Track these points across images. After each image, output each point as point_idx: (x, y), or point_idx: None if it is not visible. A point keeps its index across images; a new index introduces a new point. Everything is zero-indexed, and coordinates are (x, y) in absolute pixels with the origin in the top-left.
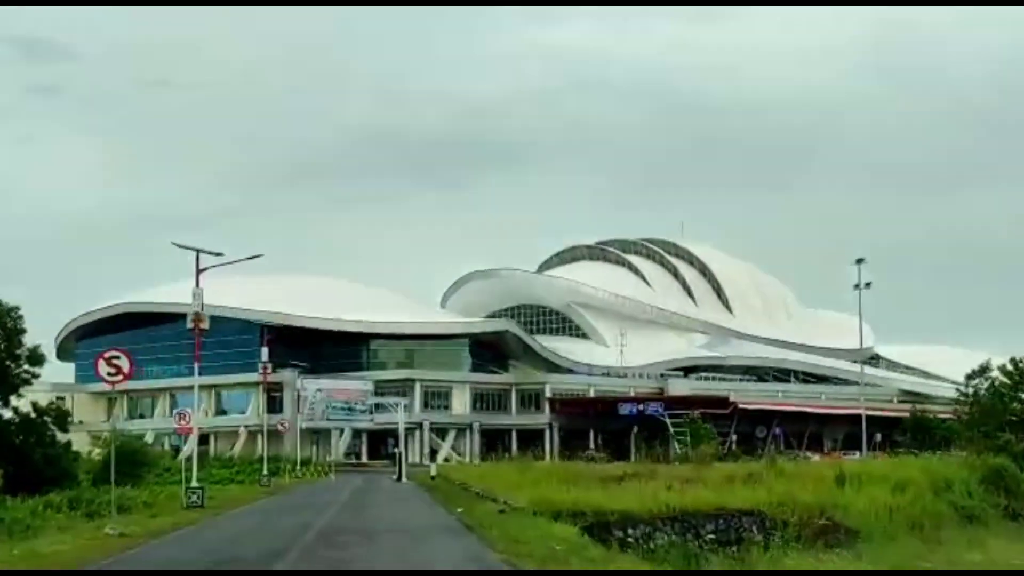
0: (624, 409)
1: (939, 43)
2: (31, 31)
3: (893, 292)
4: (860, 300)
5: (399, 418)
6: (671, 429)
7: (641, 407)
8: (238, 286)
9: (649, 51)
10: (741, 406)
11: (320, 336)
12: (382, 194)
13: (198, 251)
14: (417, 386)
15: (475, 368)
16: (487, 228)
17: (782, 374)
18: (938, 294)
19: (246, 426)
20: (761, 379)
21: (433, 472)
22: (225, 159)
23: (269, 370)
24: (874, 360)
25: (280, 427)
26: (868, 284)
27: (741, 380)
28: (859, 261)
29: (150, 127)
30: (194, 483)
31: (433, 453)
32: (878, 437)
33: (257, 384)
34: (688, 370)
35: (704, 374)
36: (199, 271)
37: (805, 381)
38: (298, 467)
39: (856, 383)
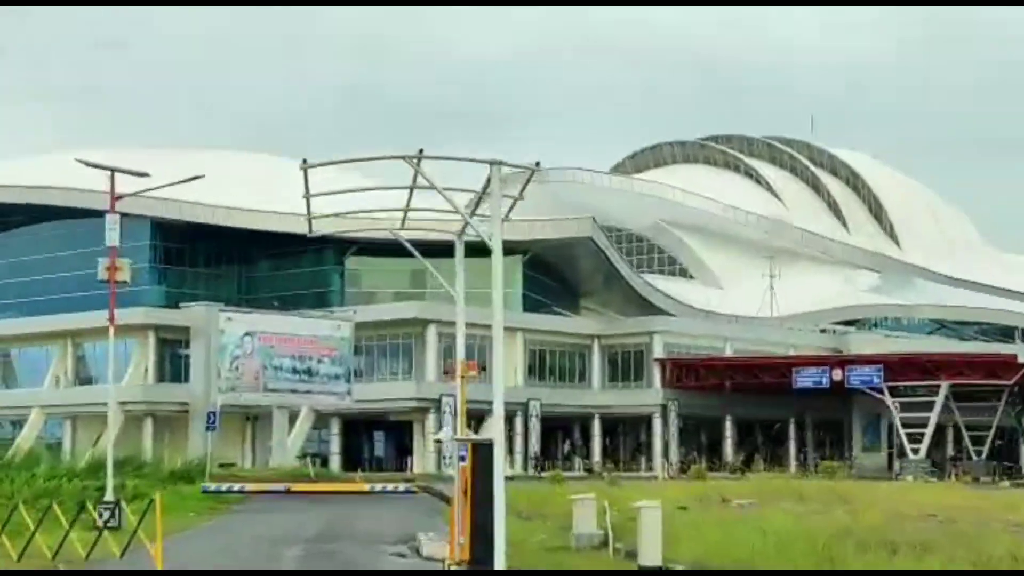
0: (803, 379)
1: None
2: None
3: None
4: None
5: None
6: (896, 414)
7: (837, 375)
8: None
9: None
10: None
11: (255, 245)
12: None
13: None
14: (431, 333)
15: (529, 308)
16: None
17: (983, 333)
18: None
19: (122, 403)
20: (961, 338)
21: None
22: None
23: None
24: None
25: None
26: None
27: (933, 335)
28: None
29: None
30: None
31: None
32: None
33: (144, 329)
34: (851, 323)
35: (881, 330)
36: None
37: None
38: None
39: None
